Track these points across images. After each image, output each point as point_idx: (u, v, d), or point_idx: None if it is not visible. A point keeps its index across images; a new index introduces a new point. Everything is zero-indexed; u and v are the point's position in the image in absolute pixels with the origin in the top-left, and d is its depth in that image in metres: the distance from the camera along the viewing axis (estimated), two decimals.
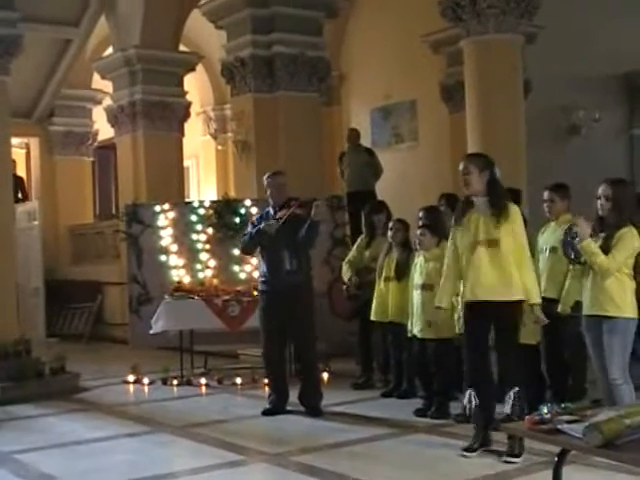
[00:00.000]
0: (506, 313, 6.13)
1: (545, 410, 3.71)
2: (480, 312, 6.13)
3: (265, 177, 8.30)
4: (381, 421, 7.59)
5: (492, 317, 6.14)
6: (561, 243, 6.55)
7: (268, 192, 8.23)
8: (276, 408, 8.05)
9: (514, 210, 6.19)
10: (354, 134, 13.27)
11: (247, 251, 8.68)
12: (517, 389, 6.11)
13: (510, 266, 6.07)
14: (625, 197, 5.96)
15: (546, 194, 7.33)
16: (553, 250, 7.18)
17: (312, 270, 8.28)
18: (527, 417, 3.74)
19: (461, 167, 6.25)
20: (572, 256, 6.19)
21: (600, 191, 5.95)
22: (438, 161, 13.88)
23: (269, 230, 7.92)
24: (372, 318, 8.69)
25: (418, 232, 7.83)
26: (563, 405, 3.83)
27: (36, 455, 6.78)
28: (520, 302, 6.15)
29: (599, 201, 5.95)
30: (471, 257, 6.11)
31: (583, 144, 14.18)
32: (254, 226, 8.21)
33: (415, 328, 7.76)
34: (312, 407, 7.98)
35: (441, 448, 6.57)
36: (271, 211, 8.20)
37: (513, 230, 6.12)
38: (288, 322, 8.04)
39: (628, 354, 5.93)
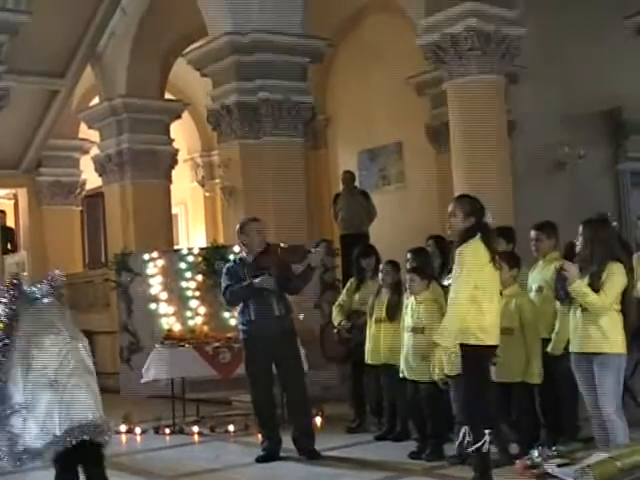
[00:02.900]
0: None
1: (536, 453, 3.68)
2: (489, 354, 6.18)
3: (241, 224, 8.16)
4: (376, 465, 7.51)
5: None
6: (553, 287, 6.55)
7: (247, 238, 8.07)
8: (270, 454, 7.93)
9: (462, 252, 6.02)
10: (349, 177, 13.28)
11: (235, 304, 8.57)
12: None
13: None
14: (600, 235, 5.99)
15: (533, 233, 7.37)
16: (539, 290, 7.21)
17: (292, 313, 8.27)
18: (518, 461, 3.72)
19: (450, 209, 6.24)
20: (564, 298, 6.15)
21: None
22: (426, 202, 13.92)
23: (269, 286, 7.83)
24: (367, 361, 8.63)
25: (407, 277, 7.81)
26: (554, 448, 3.81)
27: None
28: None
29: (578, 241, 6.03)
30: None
31: (569, 181, 14.23)
32: (230, 275, 8.06)
33: (407, 370, 7.74)
34: (309, 450, 7.87)
35: None
36: (246, 257, 8.11)
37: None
38: (277, 366, 8.01)
39: (621, 389, 5.92)
